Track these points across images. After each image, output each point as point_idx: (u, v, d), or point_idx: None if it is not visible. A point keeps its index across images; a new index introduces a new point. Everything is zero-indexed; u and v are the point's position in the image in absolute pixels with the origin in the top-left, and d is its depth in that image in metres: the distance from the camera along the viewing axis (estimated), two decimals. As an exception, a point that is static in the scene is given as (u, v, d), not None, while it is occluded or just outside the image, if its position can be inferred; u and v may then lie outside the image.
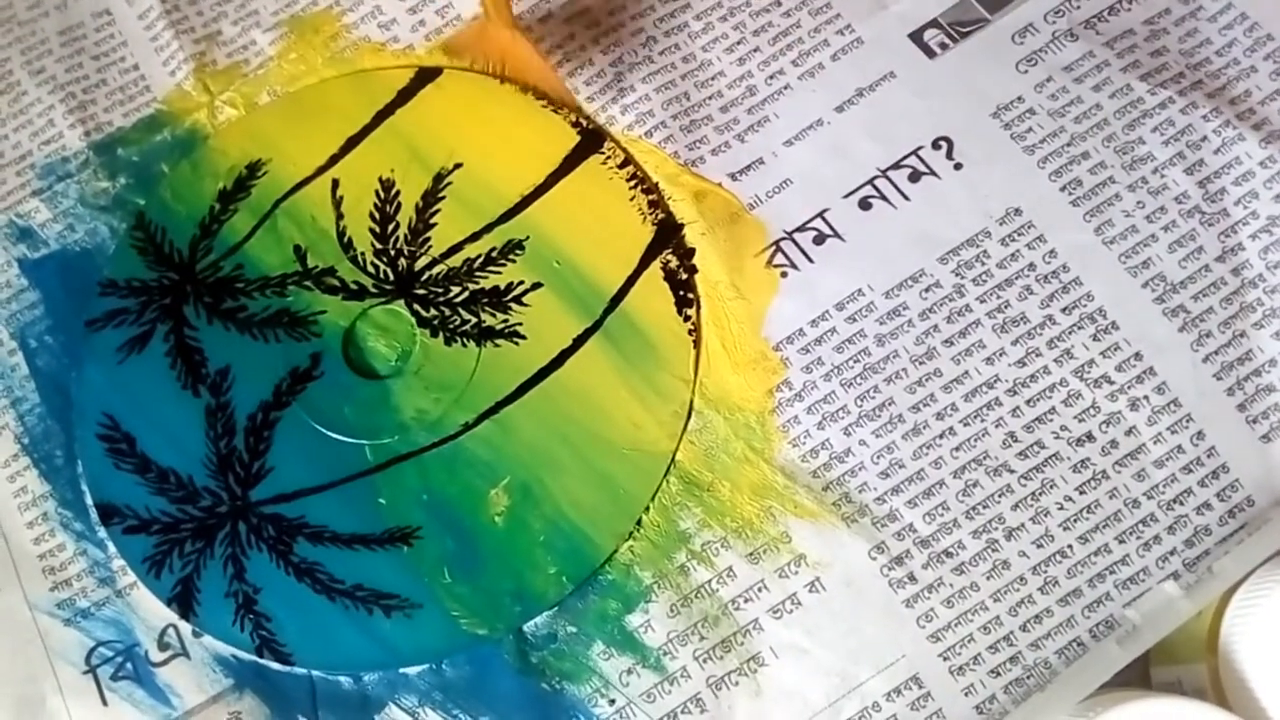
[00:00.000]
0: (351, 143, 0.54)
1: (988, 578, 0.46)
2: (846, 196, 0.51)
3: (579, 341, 0.50)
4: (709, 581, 0.47)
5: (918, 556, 0.46)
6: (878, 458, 0.47)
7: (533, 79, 0.54)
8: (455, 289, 0.52)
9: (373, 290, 0.52)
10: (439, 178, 0.53)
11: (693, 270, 0.51)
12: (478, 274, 0.52)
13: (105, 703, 0.48)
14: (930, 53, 0.53)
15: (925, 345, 0.48)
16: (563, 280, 0.51)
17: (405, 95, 0.55)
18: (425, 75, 0.55)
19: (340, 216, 0.53)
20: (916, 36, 0.53)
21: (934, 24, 0.53)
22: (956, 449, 0.47)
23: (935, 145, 0.51)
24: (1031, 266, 0.49)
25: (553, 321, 0.51)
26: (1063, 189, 0.49)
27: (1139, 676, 0.46)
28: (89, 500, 0.50)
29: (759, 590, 0.46)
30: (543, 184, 0.53)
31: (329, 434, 0.50)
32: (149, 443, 0.51)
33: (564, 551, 0.48)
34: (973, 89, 0.52)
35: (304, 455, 0.50)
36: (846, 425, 0.48)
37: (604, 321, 0.50)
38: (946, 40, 0.53)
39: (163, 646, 0.48)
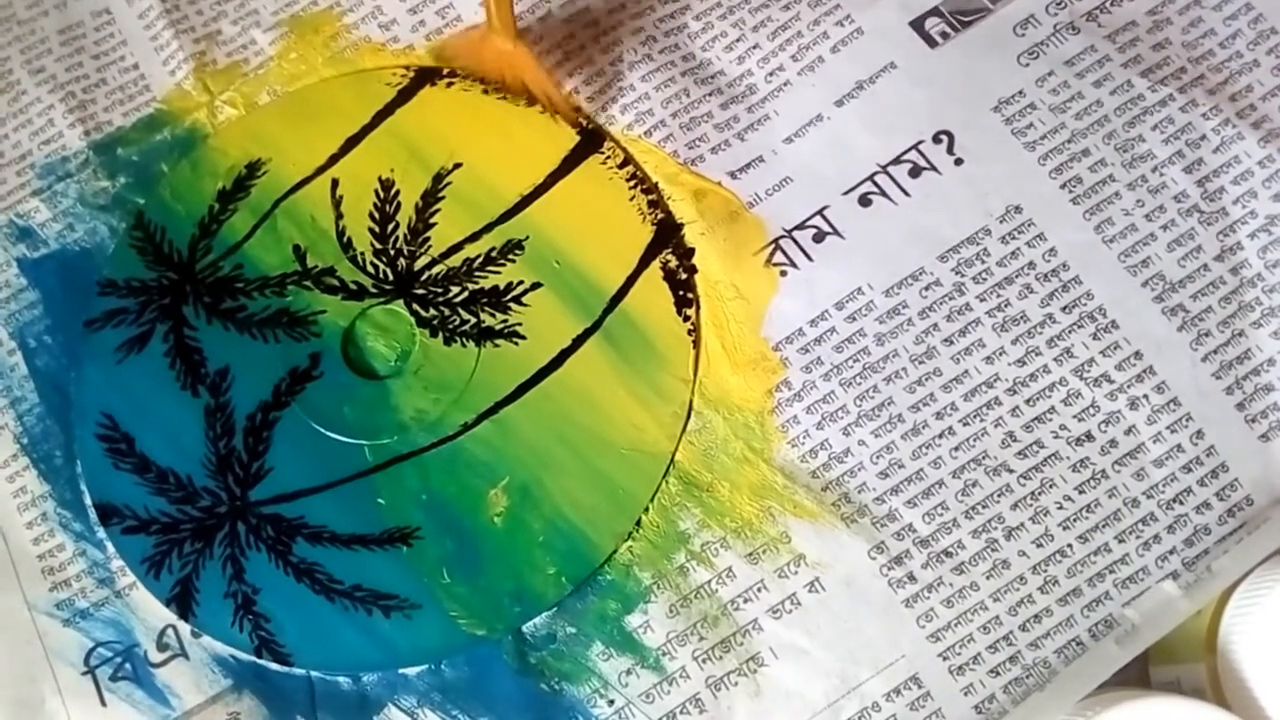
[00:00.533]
0: (351, 142, 0.54)
1: (987, 577, 0.46)
2: (846, 193, 0.51)
3: (578, 341, 0.50)
4: (708, 582, 0.47)
5: (917, 556, 0.46)
6: (877, 457, 0.47)
7: (532, 89, 0.54)
8: (455, 289, 0.52)
9: (372, 290, 0.52)
10: (438, 177, 0.53)
11: (692, 270, 0.51)
12: (477, 274, 0.52)
13: (104, 703, 0.48)
14: (931, 42, 0.52)
15: (925, 344, 0.48)
16: (562, 280, 0.51)
17: (405, 95, 0.55)
18: (425, 75, 0.55)
19: (340, 216, 0.53)
20: (918, 25, 0.53)
21: (935, 12, 0.53)
22: (956, 448, 0.47)
23: (936, 139, 0.51)
24: (1031, 265, 0.48)
25: (552, 321, 0.51)
26: (1063, 186, 0.49)
27: (1138, 676, 0.46)
28: (88, 500, 0.50)
29: (758, 590, 0.46)
30: (542, 184, 0.53)
31: (328, 434, 0.50)
32: (148, 443, 0.51)
33: (563, 552, 0.48)
34: (974, 81, 0.51)
35: (303, 455, 0.50)
36: (846, 425, 0.48)
37: (603, 321, 0.50)
38: (948, 30, 0.52)
39: (162, 647, 0.48)
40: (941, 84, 0.52)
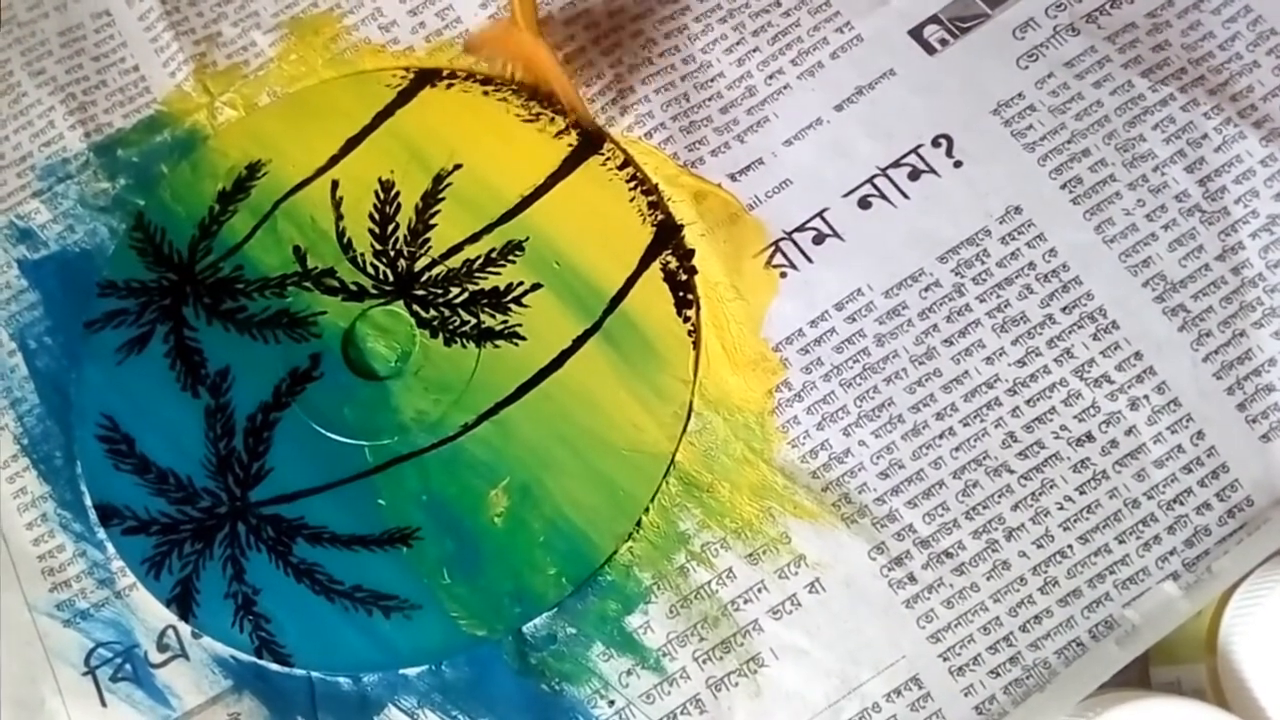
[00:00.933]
0: (351, 144, 0.54)
1: (988, 578, 0.46)
2: (846, 196, 0.51)
3: (579, 342, 0.50)
4: (709, 582, 0.47)
5: (918, 557, 0.46)
6: (877, 458, 0.47)
7: (546, 85, 0.54)
8: (455, 290, 0.52)
9: (372, 291, 0.52)
10: (439, 179, 0.53)
11: (692, 271, 0.51)
12: (477, 275, 0.52)
13: (104, 704, 0.48)
14: (930, 49, 0.52)
15: (925, 345, 0.48)
16: (562, 281, 0.51)
17: (405, 96, 0.55)
18: (425, 76, 0.55)
19: (340, 217, 0.53)
20: (916, 33, 0.53)
21: (934, 20, 0.53)
22: (956, 449, 0.47)
23: (935, 143, 0.51)
24: (1031, 265, 0.48)
25: (552, 322, 0.51)
26: (1063, 187, 0.49)
27: (1138, 677, 0.46)
28: (88, 501, 0.50)
29: (759, 591, 0.46)
30: (542, 185, 0.53)
31: (328, 435, 0.50)
32: (148, 444, 0.51)
33: (563, 552, 0.48)
34: (973, 86, 0.51)
35: (303, 456, 0.50)
36: (846, 425, 0.48)
37: (604, 322, 0.50)
38: (947, 36, 0.52)
39: (162, 648, 0.48)
40: (940, 89, 0.52)
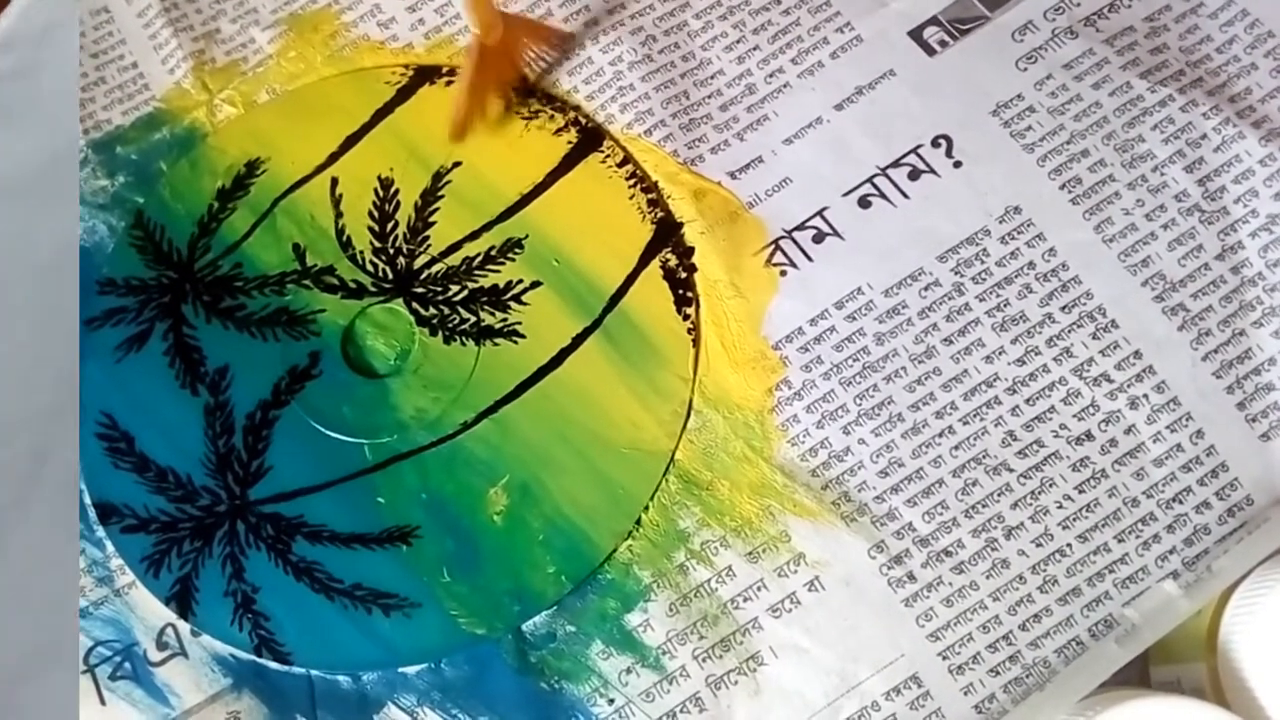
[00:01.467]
0: (350, 141, 0.54)
1: (987, 576, 0.46)
2: (846, 195, 0.51)
3: (578, 340, 0.50)
4: (708, 580, 0.47)
5: (917, 555, 0.46)
6: (877, 456, 0.47)
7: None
8: (454, 288, 0.52)
9: (371, 289, 0.52)
10: (438, 176, 0.53)
11: (692, 269, 0.51)
12: (477, 272, 0.52)
13: (104, 702, 0.48)
14: (930, 50, 0.52)
15: (924, 344, 0.48)
16: (562, 279, 0.51)
17: (404, 94, 0.55)
18: (424, 74, 0.55)
19: (339, 215, 0.53)
20: (916, 34, 0.53)
21: (934, 21, 0.53)
22: (956, 448, 0.47)
23: (935, 143, 0.51)
24: (1031, 265, 0.49)
25: (552, 320, 0.51)
26: (1062, 187, 0.49)
27: (1138, 676, 0.46)
28: (87, 499, 0.50)
29: (758, 589, 0.46)
30: (542, 182, 0.53)
31: (328, 433, 0.50)
32: (147, 441, 0.51)
33: (563, 550, 0.48)
34: (972, 87, 0.52)
35: (303, 454, 0.50)
36: (845, 424, 0.48)
37: (603, 320, 0.50)
38: (946, 38, 0.53)
39: (161, 646, 0.48)
40: (940, 90, 0.52)
